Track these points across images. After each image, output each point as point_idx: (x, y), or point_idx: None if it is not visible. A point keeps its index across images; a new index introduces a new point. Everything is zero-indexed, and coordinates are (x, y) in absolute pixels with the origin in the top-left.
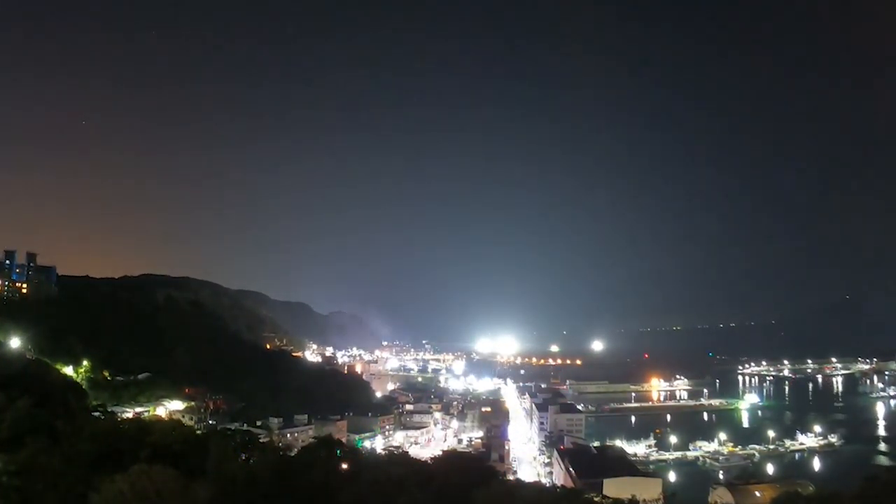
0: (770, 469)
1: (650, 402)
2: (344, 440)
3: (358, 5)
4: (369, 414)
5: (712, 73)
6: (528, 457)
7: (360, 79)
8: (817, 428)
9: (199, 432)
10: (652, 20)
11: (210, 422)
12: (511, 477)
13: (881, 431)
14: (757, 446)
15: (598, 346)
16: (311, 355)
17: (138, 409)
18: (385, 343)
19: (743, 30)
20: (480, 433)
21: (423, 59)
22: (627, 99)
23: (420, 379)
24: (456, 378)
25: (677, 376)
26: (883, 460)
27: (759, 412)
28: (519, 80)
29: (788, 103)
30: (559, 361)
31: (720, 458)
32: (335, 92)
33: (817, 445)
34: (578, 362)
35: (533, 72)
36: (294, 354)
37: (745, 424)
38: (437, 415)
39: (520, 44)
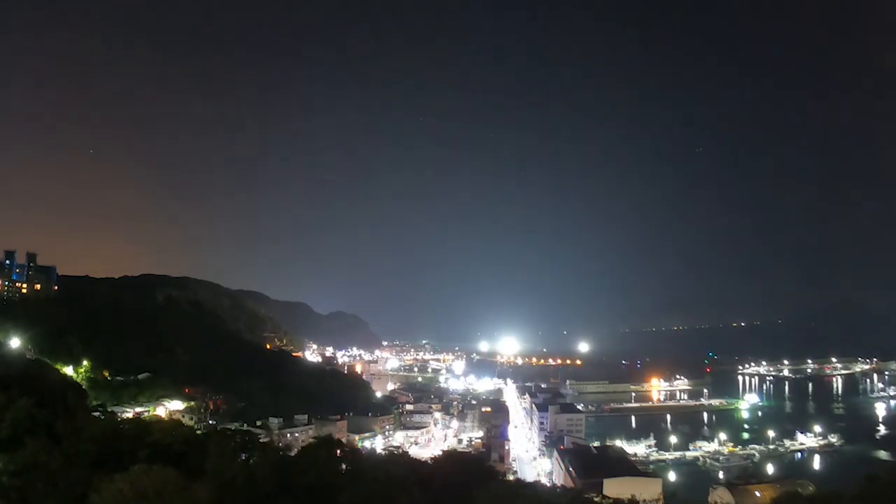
0: (770, 469)
1: (650, 402)
2: (344, 440)
3: (374, 9)
4: (369, 414)
5: (713, 75)
6: (528, 457)
7: (363, 76)
8: (817, 428)
9: (199, 432)
10: (653, 29)
11: (210, 422)
12: (511, 477)
13: (881, 431)
14: (757, 446)
15: (598, 346)
16: (311, 355)
17: (138, 409)
18: (385, 343)
19: (744, 35)
20: (480, 433)
21: (426, 57)
22: (628, 101)
23: (420, 379)
24: (456, 378)
25: (677, 376)
26: (883, 460)
27: (759, 412)
28: (518, 83)
29: (790, 104)
30: (559, 361)
31: (720, 458)
32: (337, 90)
33: (817, 445)
34: (578, 362)
35: (532, 76)
36: (294, 354)
37: (745, 424)
38: (437, 415)
39: (523, 52)
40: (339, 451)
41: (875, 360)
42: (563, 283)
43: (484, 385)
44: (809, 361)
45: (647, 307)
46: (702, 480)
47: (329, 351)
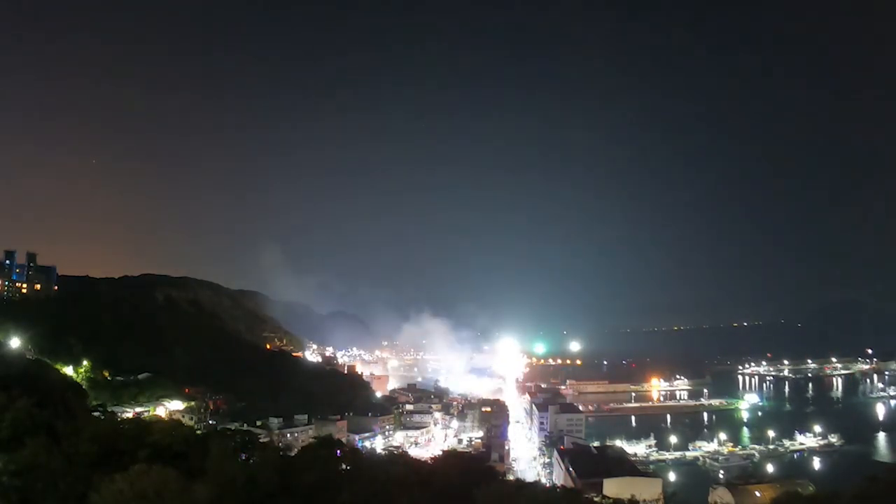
0: (770, 469)
1: (650, 402)
2: (344, 440)
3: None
4: (369, 414)
5: (713, 75)
6: (528, 457)
7: (366, 63)
8: (817, 428)
9: (199, 432)
10: (654, 28)
11: (210, 422)
12: (511, 477)
13: (881, 431)
14: (757, 446)
15: (598, 346)
16: (311, 355)
17: (138, 409)
18: (385, 343)
19: (747, 34)
20: (480, 433)
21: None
22: (629, 103)
23: (420, 379)
24: (456, 378)
25: (677, 376)
26: (883, 460)
27: (759, 412)
28: (521, 84)
29: (790, 105)
30: (559, 361)
31: (720, 458)
32: (336, 89)
33: (817, 445)
34: (579, 362)
35: (530, 73)
36: (294, 354)
37: (745, 424)
38: (437, 415)
39: (530, 53)
40: (339, 451)
41: (875, 360)
42: (564, 283)
43: (484, 385)
44: (809, 361)
45: (647, 307)
46: (702, 480)
47: (329, 351)
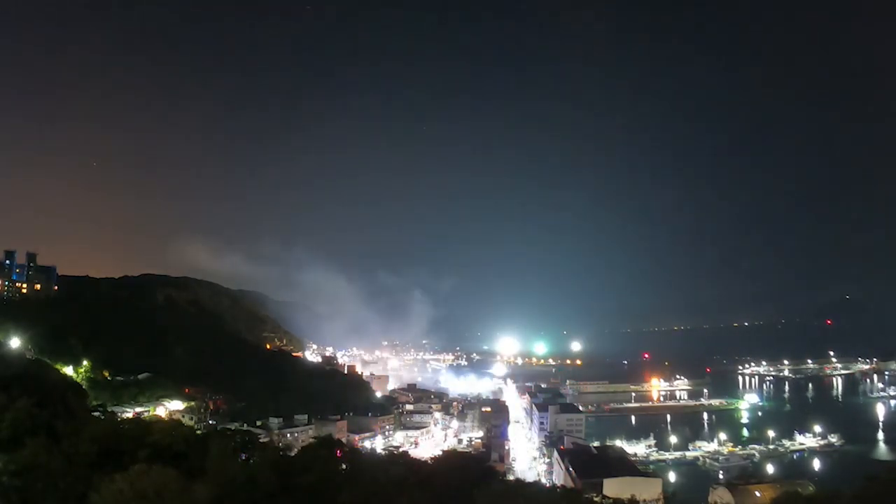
0: (770, 469)
1: (650, 402)
2: (344, 440)
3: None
4: (369, 414)
5: (710, 74)
6: (528, 457)
7: (367, 67)
8: (817, 428)
9: (199, 432)
10: (655, 29)
11: (210, 422)
12: (511, 477)
13: (881, 431)
14: (757, 446)
15: (598, 346)
16: (311, 355)
17: (138, 409)
18: (385, 343)
19: (746, 35)
20: (480, 433)
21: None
22: (631, 99)
23: (420, 379)
24: (456, 378)
25: (677, 376)
26: (883, 460)
27: (759, 412)
28: (518, 83)
29: (790, 101)
30: (559, 361)
31: (720, 458)
32: (335, 90)
33: (817, 445)
34: (578, 362)
35: (529, 78)
36: (294, 354)
37: (745, 424)
38: (437, 415)
39: (529, 60)
40: (338, 451)
41: (875, 360)
42: (564, 283)
43: (484, 385)
44: (809, 361)
45: (647, 307)
46: (702, 480)
47: (329, 351)
